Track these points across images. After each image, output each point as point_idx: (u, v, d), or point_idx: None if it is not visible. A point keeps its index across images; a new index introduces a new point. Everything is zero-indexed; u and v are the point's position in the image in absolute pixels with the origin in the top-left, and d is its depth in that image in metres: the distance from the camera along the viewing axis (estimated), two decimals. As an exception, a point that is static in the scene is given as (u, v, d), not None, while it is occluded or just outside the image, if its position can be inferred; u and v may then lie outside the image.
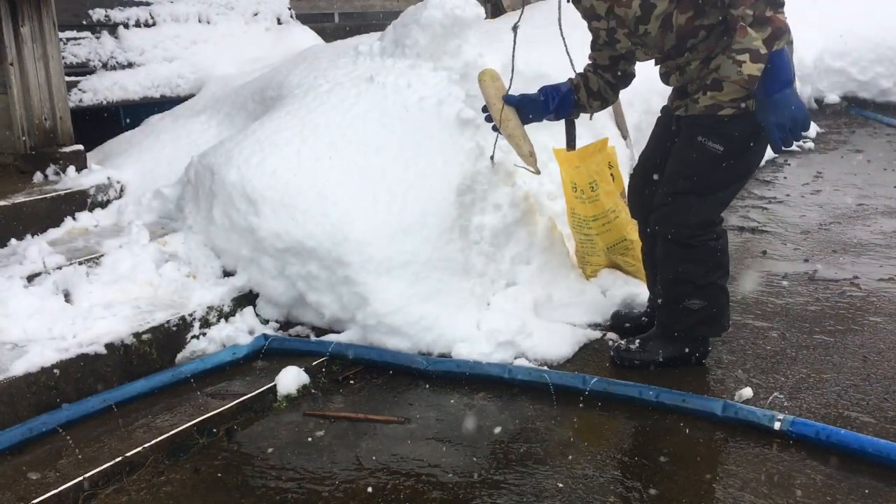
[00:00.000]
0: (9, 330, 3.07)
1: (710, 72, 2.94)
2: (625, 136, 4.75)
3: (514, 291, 3.65)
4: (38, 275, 3.39)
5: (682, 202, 3.02)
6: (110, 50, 5.42)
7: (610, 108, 4.77)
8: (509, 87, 3.42)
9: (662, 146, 3.21)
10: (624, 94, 4.86)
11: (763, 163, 6.35)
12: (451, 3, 4.14)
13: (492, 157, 3.70)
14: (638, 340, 3.23)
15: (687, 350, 3.16)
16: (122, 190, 4.39)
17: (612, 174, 3.68)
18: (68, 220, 4.05)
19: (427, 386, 3.15)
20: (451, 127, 3.81)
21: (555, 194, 4.13)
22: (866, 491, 2.40)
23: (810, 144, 7.05)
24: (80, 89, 5.17)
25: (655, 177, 3.18)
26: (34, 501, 2.38)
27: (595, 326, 3.53)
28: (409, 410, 2.99)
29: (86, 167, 4.37)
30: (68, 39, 5.20)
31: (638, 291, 3.72)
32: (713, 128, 2.93)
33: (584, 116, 3.56)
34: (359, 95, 4.05)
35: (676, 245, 3.05)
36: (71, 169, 4.30)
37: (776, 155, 6.60)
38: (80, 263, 3.52)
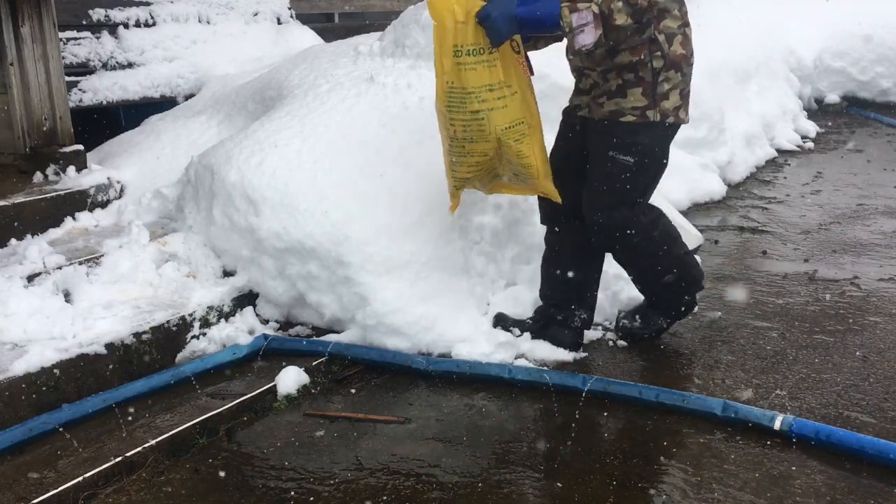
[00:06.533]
0: (9, 330, 3.07)
1: (617, 77, 3.00)
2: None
3: (515, 291, 3.65)
4: (38, 275, 3.39)
5: (619, 217, 3.07)
6: (110, 50, 5.42)
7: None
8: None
9: (570, 144, 3.24)
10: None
11: (763, 163, 6.34)
12: (451, 3, 4.14)
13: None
14: (637, 316, 3.39)
15: (683, 308, 3.35)
16: (122, 190, 4.39)
17: (514, 42, 3.00)
18: (68, 220, 4.05)
19: (427, 386, 3.15)
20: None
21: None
22: (866, 491, 2.40)
23: (810, 144, 7.04)
24: (80, 89, 5.17)
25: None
26: (34, 501, 2.38)
27: (595, 326, 3.53)
28: (409, 410, 2.99)
29: (86, 167, 4.37)
30: (68, 39, 5.20)
31: (638, 292, 3.71)
32: (622, 138, 3.01)
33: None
34: (359, 95, 4.05)
35: (629, 252, 3.17)
36: (71, 169, 4.30)
37: (776, 155, 6.60)
38: (80, 263, 3.52)
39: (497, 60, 2.95)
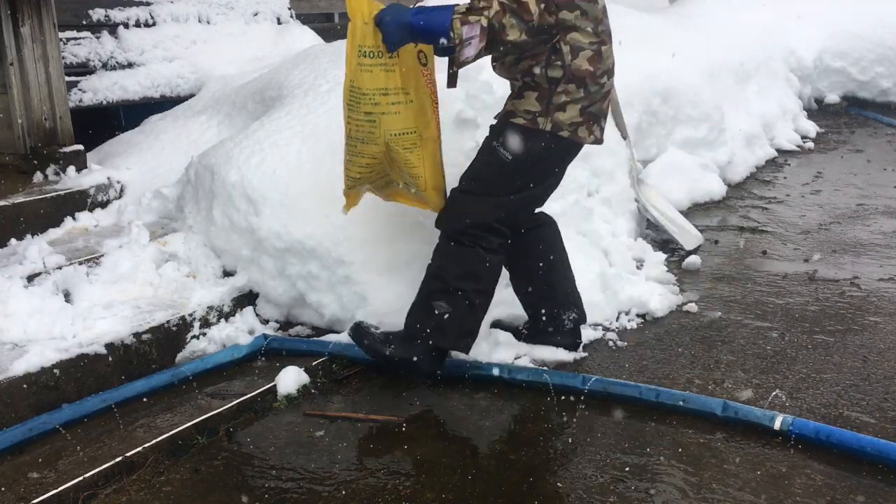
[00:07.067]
0: (9, 330, 3.07)
1: (521, 80, 2.98)
2: (624, 136, 4.75)
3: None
4: (38, 275, 3.39)
5: (462, 200, 3.04)
6: (110, 50, 5.42)
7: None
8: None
9: None
10: (623, 94, 4.88)
11: (763, 163, 6.34)
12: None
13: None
14: (385, 330, 3.15)
15: (416, 359, 3.02)
16: (122, 190, 4.39)
17: (422, 53, 3.02)
18: (68, 220, 4.05)
19: (427, 386, 3.15)
20: (451, 127, 3.81)
21: (554, 194, 4.12)
22: (866, 491, 2.40)
23: (810, 144, 7.04)
24: (80, 89, 5.17)
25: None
26: (34, 501, 2.38)
27: (595, 326, 3.53)
28: (409, 410, 2.99)
29: (86, 167, 4.37)
30: (68, 39, 5.20)
31: (638, 293, 3.72)
32: (508, 136, 2.97)
33: None
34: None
35: (446, 239, 3.05)
36: (71, 169, 4.30)
37: (776, 155, 6.60)
38: (80, 263, 3.52)
39: (396, 66, 2.94)
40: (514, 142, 2.96)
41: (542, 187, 3.10)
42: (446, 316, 2.99)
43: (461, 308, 3.00)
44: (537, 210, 3.28)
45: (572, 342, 3.33)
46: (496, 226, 3.02)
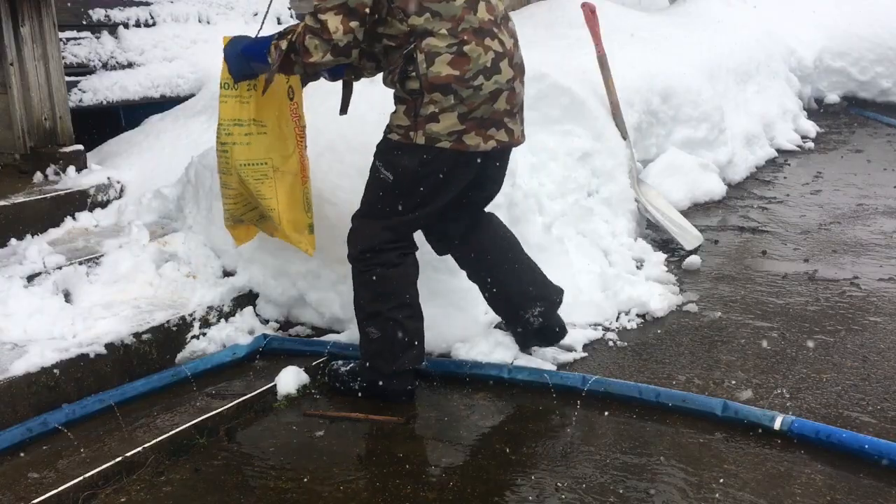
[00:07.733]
0: (9, 330, 3.07)
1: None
2: (624, 136, 4.75)
3: (514, 291, 3.64)
4: (38, 275, 3.39)
5: (354, 225, 2.98)
6: (110, 50, 5.41)
7: (608, 107, 4.77)
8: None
9: None
10: (623, 94, 4.88)
11: (763, 163, 6.34)
12: (451, 3, 4.13)
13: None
14: (352, 364, 3.12)
15: (381, 383, 2.99)
16: (122, 190, 4.39)
17: (290, 87, 3.08)
18: (68, 220, 4.04)
19: (427, 386, 3.15)
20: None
21: (554, 194, 4.13)
22: (866, 491, 2.40)
23: (810, 144, 7.04)
24: (80, 89, 5.16)
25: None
26: (34, 501, 2.38)
27: (595, 326, 3.53)
28: (409, 410, 2.98)
29: (86, 167, 4.37)
30: (68, 39, 5.19)
31: (638, 293, 3.72)
32: (386, 154, 2.86)
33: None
34: (358, 95, 4.04)
35: (353, 268, 2.99)
36: (71, 169, 4.30)
37: (776, 155, 6.60)
38: (80, 263, 3.52)
39: (252, 98, 2.99)
40: (392, 160, 2.84)
41: (441, 202, 2.90)
42: (379, 339, 2.95)
43: (388, 328, 2.94)
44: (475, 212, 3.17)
45: (547, 336, 3.21)
46: (387, 247, 2.92)
